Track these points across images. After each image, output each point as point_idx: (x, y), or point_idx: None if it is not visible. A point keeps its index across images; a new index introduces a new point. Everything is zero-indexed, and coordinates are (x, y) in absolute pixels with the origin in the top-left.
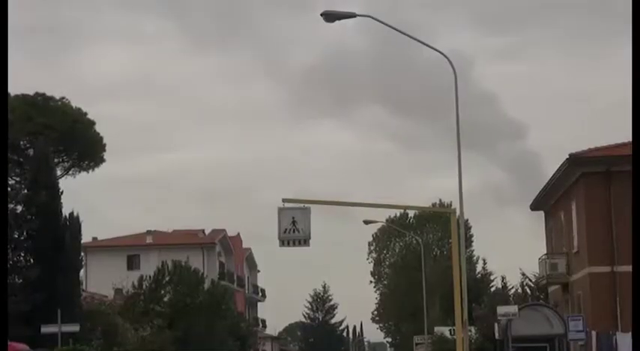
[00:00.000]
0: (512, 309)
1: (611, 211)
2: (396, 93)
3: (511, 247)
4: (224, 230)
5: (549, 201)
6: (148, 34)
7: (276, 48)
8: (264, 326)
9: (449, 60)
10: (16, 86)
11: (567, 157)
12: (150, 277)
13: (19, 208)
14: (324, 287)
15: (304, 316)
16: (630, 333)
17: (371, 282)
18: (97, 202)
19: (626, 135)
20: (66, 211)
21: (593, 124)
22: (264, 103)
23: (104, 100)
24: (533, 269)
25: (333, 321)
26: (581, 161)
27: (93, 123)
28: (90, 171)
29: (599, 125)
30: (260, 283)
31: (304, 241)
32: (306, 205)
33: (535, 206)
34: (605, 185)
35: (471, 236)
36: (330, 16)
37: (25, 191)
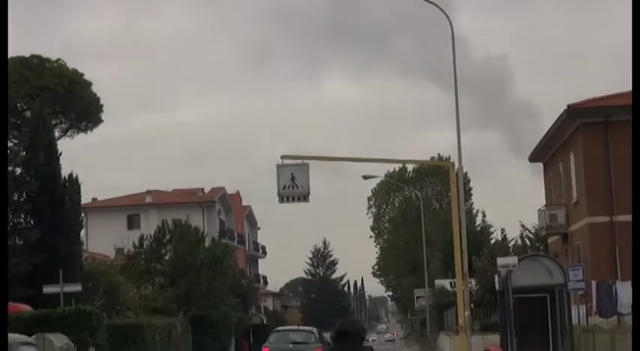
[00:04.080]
0: (512, 260)
1: (610, 160)
2: (391, 47)
3: (510, 200)
4: (223, 188)
5: (548, 152)
6: None
7: None
8: (266, 283)
9: (447, 16)
10: (11, 48)
11: (565, 108)
12: (150, 236)
13: (18, 170)
14: (324, 243)
15: (305, 272)
16: (630, 282)
17: (371, 237)
18: (96, 163)
19: (623, 85)
20: (65, 173)
21: (590, 76)
22: (259, 59)
23: (99, 60)
24: (532, 221)
25: (334, 276)
26: (579, 112)
27: (89, 84)
28: (88, 132)
29: (596, 76)
30: (260, 240)
31: (304, 197)
32: (304, 161)
33: (534, 158)
34: (603, 135)
35: (470, 189)
36: None
37: (24, 153)
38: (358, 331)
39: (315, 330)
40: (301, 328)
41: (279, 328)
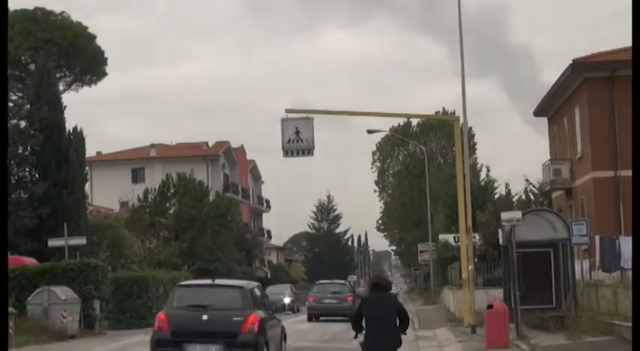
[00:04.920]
0: (516, 215)
1: (615, 115)
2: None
3: (515, 155)
4: (228, 142)
5: (553, 107)
6: None
7: None
8: (270, 237)
9: None
10: (15, 1)
11: (571, 62)
12: (155, 189)
13: (22, 123)
14: (328, 197)
15: (309, 226)
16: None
17: (375, 191)
18: (100, 117)
19: (629, 39)
20: (69, 126)
21: (596, 30)
22: (263, 13)
23: (103, 13)
24: (536, 175)
25: (337, 231)
26: (585, 66)
27: (94, 37)
28: (92, 85)
29: (602, 31)
30: (264, 194)
31: (308, 151)
32: (309, 116)
33: (538, 112)
34: (608, 90)
35: (475, 144)
36: None
37: (28, 106)
38: (386, 283)
39: (347, 282)
40: (336, 281)
41: (320, 281)
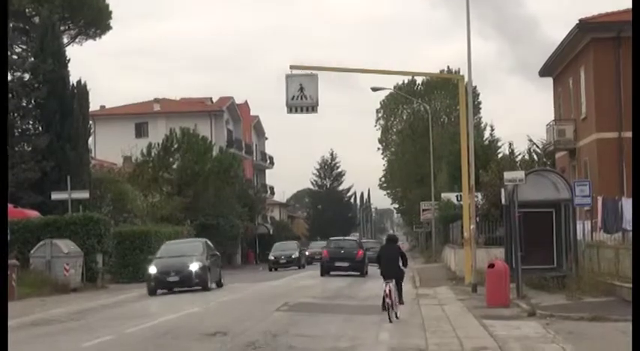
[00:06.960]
0: (519, 174)
1: (620, 76)
2: None
3: (519, 114)
4: (232, 98)
5: (558, 67)
6: None
7: None
8: (273, 193)
9: None
10: None
11: (577, 22)
12: (158, 144)
13: (26, 76)
14: (331, 154)
15: (312, 183)
16: None
17: (378, 149)
18: (104, 71)
19: None
20: (73, 80)
21: None
22: None
23: None
24: (540, 136)
25: (340, 188)
26: (591, 27)
27: None
28: (97, 39)
29: None
30: (268, 151)
31: (312, 108)
32: (313, 72)
33: (544, 72)
34: (614, 51)
35: (479, 103)
36: None
37: (32, 59)
38: (395, 239)
39: (377, 241)
40: (370, 240)
41: (364, 240)
